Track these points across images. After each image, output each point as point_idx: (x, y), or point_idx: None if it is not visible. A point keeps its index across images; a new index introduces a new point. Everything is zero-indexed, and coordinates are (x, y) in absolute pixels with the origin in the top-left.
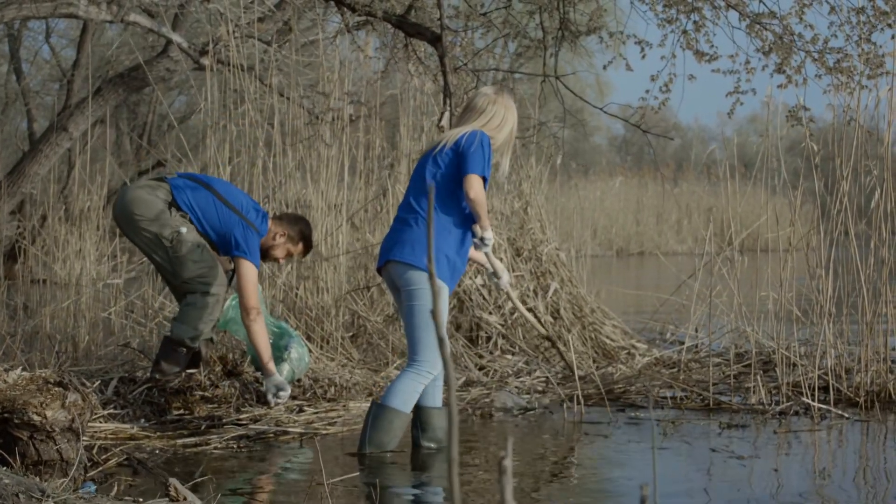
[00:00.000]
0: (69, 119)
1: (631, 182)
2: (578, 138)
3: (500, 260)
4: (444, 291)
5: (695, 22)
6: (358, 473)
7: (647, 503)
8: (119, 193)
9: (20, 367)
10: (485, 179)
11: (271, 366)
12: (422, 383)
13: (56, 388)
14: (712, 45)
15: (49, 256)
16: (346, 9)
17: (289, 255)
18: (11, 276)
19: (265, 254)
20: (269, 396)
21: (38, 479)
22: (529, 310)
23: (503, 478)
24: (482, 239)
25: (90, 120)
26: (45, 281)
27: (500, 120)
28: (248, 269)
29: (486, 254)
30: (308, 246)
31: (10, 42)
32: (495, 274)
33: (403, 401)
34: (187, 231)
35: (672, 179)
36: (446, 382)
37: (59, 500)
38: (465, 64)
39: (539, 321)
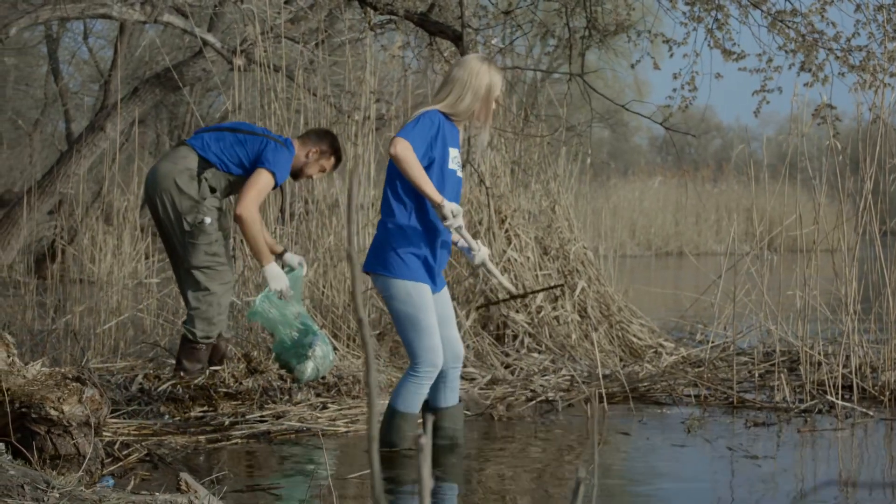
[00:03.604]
0: (106, 119)
1: (670, 182)
2: (619, 139)
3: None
4: (425, 290)
5: (717, 20)
6: (370, 470)
7: (581, 486)
8: (160, 164)
9: (40, 363)
10: (433, 155)
11: (263, 258)
12: (422, 383)
13: (73, 384)
14: (735, 44)
15: (85, 255)
16: (368, 8)
17: (322, 171)
18: (44, 276)
19: (299, 173)
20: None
21: (53, 472)
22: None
23: (421, 455)
24: (444, 218)
25: (127, 120)
26: (80, 280)
27: (461, 89)
28: (263, 177)
29: (459, 230)
30: (339, 158)
31: (48, 43)
32: (470, 249)
33: (405, 402)
34: (210, 222)
35: (712, 179)
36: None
37: (64, 492)
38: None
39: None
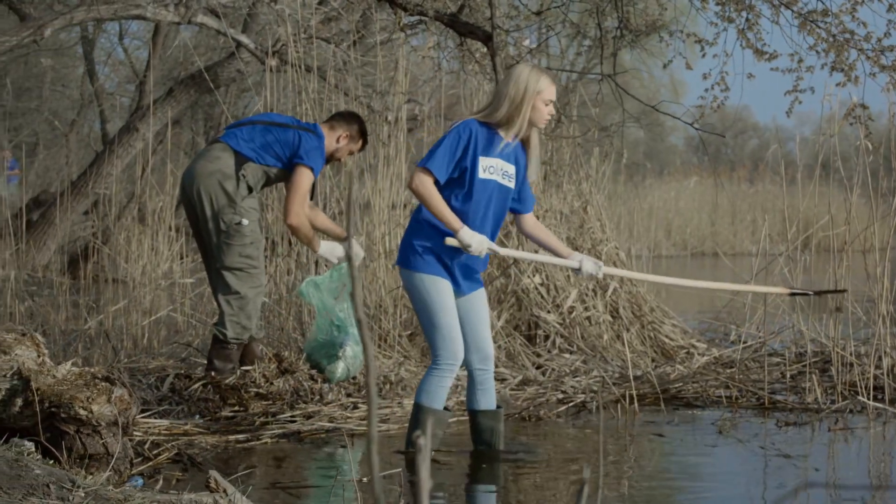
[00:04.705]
0: (141, 120)
1: (706, 182)
2: (655, 138)
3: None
4: (442, 285)
5: (747, 19)
6: (398, 470)
7: (586, 487)
8: (196, 163)
9: (70, 363)
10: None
11: (314, 246)
12: (444, 376)
13: (103, 384)
14: (764, 44)
15: (120, 255)
16: (398, 9)
17: (350, 154)
18: (76, 276)
19: (329, 157)
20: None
21: (82, 472)
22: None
23: (419, 456)
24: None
25: (162, 121)
26: (114, 280)
27: (500, 98)
28: (304, 177)
29: (498, 252)
30: (366, 140)
31: (83, 44)
32: (578, 270)
33: (428, 396)
34: (248, 224)
35: (748, 179)
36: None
37: (89, 491)
38: (518, 63)
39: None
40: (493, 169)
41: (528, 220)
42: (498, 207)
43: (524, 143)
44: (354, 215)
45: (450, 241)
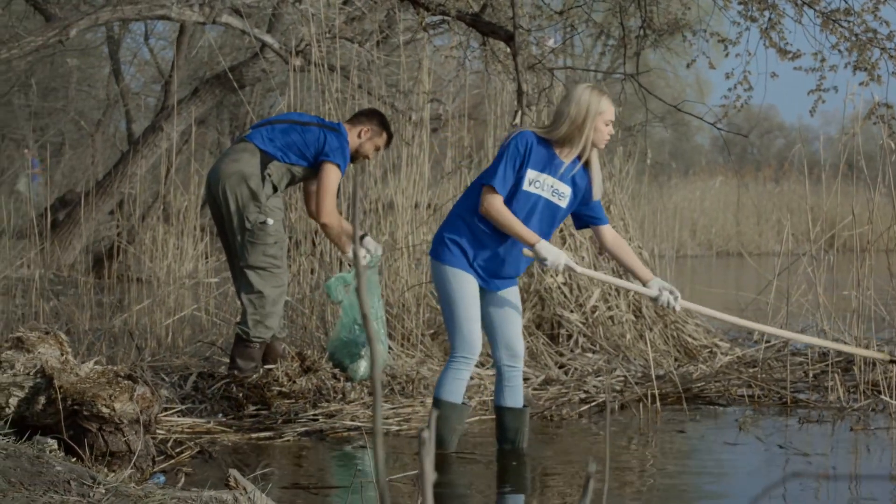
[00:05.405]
0: (166, 120)
1: (731, 182)
2: (680, 138)
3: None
4: (465, 279)
5: (770, 19)
6: (417, 472)
7: (591, 481)
8: (221, 162)
9: (93, 361)
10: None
11: (345, 249)
12: (460, 368)
13: (125, 382)
14: (787, 42)
15: (145, 255)
16: (421, 8)
17: (376, 150)
18: (101, 275)
19: (355, 154)
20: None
21: (104, 469)
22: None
23: (423, 449)
24: (539, 260)
25: (187, 121)
26: (138, 279)
27: (560, 117)
28: (331, 175)
29: (573, 271)
30: (390, 134)
31: (109, 45)
32: (655, 300)
33: (445, 390)
34: (273, 223)
35: (773, 179)
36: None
37: (109, 487)
38: (540, 62)
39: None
40: (540, 184)
41: (608, 234)
42: (544, 224)
43: (585, 165)
44: (360, 212)
45: (527, 252)
